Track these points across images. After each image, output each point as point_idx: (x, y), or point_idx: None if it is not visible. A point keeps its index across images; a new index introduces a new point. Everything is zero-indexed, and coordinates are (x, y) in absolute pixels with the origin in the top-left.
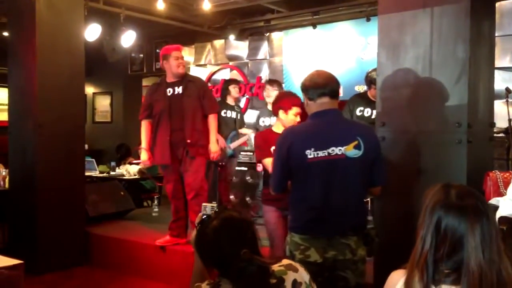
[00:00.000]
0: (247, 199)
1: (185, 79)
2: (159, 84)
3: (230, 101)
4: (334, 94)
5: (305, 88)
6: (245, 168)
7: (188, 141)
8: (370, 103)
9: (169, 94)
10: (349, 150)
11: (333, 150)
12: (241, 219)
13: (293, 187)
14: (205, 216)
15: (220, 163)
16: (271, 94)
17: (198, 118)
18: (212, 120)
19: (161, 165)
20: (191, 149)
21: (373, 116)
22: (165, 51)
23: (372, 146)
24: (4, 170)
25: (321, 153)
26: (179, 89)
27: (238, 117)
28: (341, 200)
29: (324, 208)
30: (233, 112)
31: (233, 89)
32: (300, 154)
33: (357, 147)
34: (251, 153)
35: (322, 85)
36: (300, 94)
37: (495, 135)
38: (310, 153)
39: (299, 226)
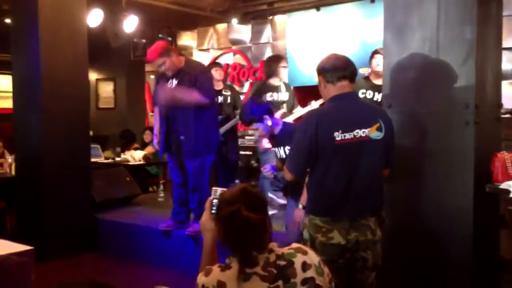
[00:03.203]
0: (252, 183)
1: (181, 71)
2: (163, 74)
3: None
4: (353, 77)
5: (324, 70)
6: (250, 153)
7: (182, 137)
8: (373, 86)
9: (169, 85)
10: (373, 132)
11: (357, 132)
12: (258, 192)
13: (314, 169)
14: (215, 200)
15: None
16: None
17: (191, 112)
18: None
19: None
20: (186, 152)
21: (375, 99)
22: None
23: (390, 128)
24: (10, 157)
25: (348, 135)
26: (175, 82)
27: (228, 101)
28: (364, 182)
29: (347, 190)
30: (219, 96)
31: (215, 72)
32: (328, 136)
33: (379, 129)
34: (254, 137)
35: (342, 68)
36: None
37: (502, 116)
38: (338, 135)
39: (321, 208)
